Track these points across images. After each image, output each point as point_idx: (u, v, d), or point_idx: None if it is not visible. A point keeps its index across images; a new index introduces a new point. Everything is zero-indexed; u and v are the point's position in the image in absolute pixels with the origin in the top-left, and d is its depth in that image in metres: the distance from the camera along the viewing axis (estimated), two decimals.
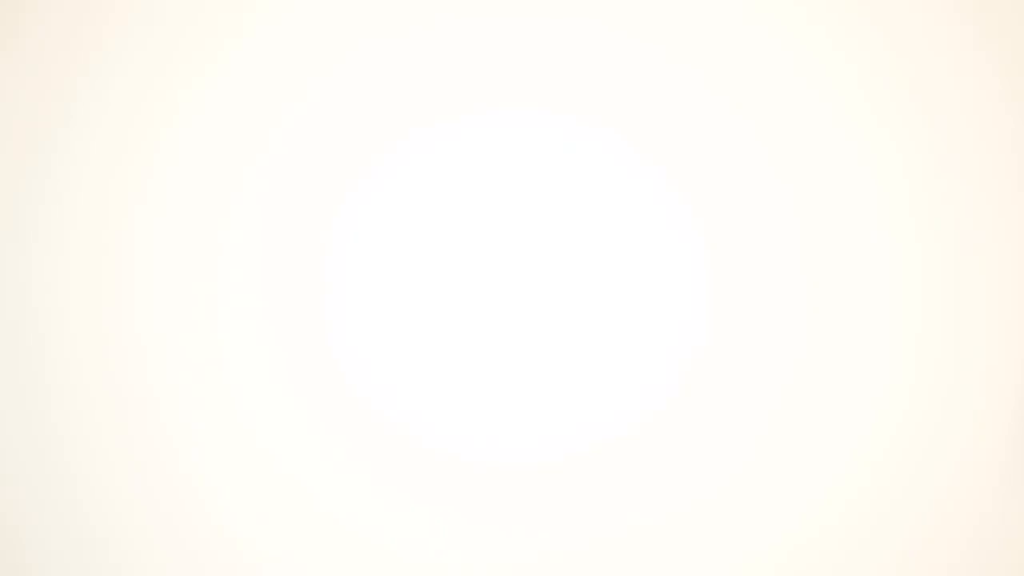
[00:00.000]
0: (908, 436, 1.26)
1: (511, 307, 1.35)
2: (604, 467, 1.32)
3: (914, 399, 1.26)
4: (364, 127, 1.39)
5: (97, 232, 1.46)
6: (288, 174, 1.41)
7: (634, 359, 1.31)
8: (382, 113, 1.38)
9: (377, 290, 1.39)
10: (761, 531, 1.27)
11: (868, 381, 1.26)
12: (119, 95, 1.45)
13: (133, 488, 1.45)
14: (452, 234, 1.37)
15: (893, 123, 1.26)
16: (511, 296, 1.35)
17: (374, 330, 1.39)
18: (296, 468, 1.41)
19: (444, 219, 1.37)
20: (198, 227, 1.43)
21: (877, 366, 1.26)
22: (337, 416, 1.40)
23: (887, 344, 1.26)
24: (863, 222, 1.26)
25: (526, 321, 1.35)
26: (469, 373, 1.36)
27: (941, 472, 1.25)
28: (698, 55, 1.28)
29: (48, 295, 1.47)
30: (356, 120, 1.39)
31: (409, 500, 1.38)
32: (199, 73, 1.43)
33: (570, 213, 1.33)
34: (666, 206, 1.30)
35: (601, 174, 1.32)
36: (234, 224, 1.42)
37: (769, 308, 1.28)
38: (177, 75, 1.43)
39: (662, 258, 1.30)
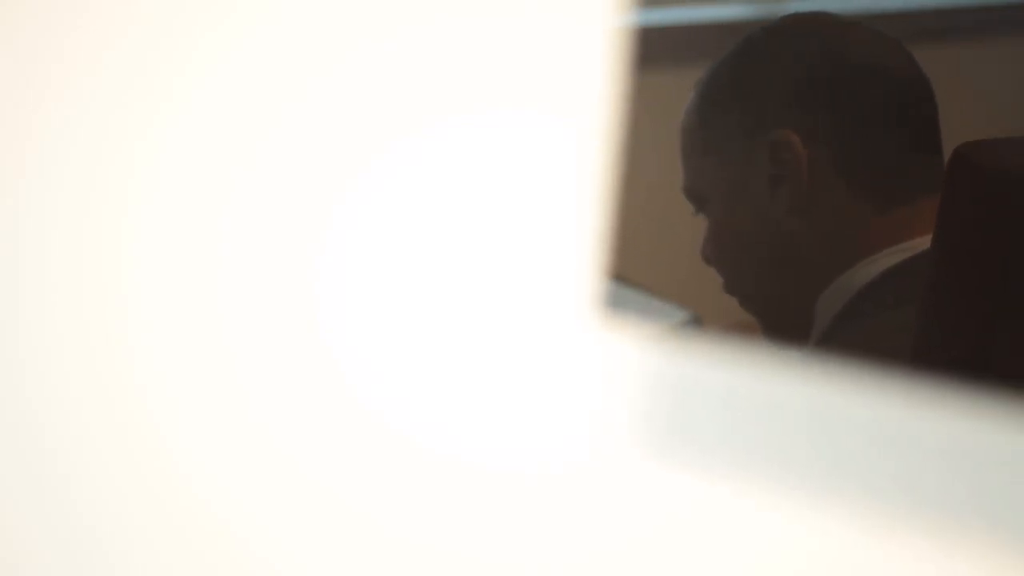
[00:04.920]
0: None
1: (512, 307, 1.36)
2: (604, 468, 1.33)
3: None
4: (364, 127, 1.39)
5: (95, 231, 1.46)
6: (287, 173, 1.41)
7: (633, 359, 1.31)
8: (382, 113, 1.39)
9: (377, 290, 1.39)
10: (762, 534, 1.28)
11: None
12: (117, 92, 1.45)
13: (129, 488, 1.45)
14: (452, 234, 1.37)
15: None
16: (512, 296, 1.35)
17: (373, 330, 1.40)
18: (294, 469, 1.42)
19: (444, 219, 1.38)
20: (195, 227, 1.44)
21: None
22: (336, 416, 1.40)
23: None
24: None
25: (526, 321, 1.35)
26: (470, 374, 1.37)
27: None
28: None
29: (46, 294, 1.47)
30: (355, 120, 1.39)
31: (409, 501, 1.39)
32: (198, 72, 1.43)
33: (570, 213, 1.33)
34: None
35: (601, 174, 1.32)
36: (232, 223, 1.43)
37: None
38: (175, 74, 1.44)
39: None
